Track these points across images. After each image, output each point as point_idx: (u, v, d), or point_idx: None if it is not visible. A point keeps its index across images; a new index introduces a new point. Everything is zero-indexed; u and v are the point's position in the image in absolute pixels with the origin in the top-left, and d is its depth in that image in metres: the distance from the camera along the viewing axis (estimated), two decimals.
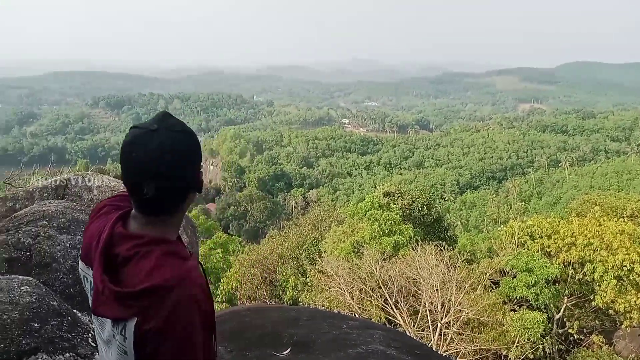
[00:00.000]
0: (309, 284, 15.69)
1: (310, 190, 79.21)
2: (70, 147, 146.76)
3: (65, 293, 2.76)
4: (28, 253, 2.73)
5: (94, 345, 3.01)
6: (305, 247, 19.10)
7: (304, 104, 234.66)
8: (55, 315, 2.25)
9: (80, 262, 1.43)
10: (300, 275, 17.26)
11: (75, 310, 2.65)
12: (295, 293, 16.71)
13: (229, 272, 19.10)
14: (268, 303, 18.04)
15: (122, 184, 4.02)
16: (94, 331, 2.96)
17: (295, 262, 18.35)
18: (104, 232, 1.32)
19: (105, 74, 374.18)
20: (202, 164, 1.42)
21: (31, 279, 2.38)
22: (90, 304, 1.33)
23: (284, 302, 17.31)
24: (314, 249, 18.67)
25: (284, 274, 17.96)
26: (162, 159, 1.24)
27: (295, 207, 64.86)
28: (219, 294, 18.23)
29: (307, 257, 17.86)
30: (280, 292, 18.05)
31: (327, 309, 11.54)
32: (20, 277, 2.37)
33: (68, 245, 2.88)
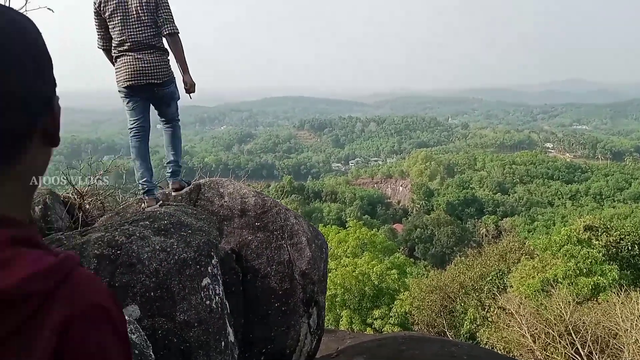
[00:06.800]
0: (489, 319, 14.62)
1: (504, 219, 73.95)
2: (278, 164, 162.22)
3: (144, 296, 2.75)
4: (118, 251, 2.69)
5: None
6: (489, 279, 17.95)
7: (502, 127, 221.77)
8: None
9: None
10: (480, 308, 16.21)
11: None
12: (473, 327, 15.74)
13: (404, 294, 18.88)
14: (447, 333, 17.35)
15: (254, 196, 4.03)
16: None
17: (477, 294, 17.34)
18: None
19: (311, 99, 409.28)
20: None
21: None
22: None
23: (461, 335, 16.45)
24: (499, 282, 17.44)
25: (463, 304, 17.08)
26: None
27: (485, 236, 61.36)
28: (392, 316, 18.12)
29: (489, 290, 16.73)
30: (458, 324, 17.20)
31: (501, 351, 10.60)
32: None
33: (158, 247, 2.81)
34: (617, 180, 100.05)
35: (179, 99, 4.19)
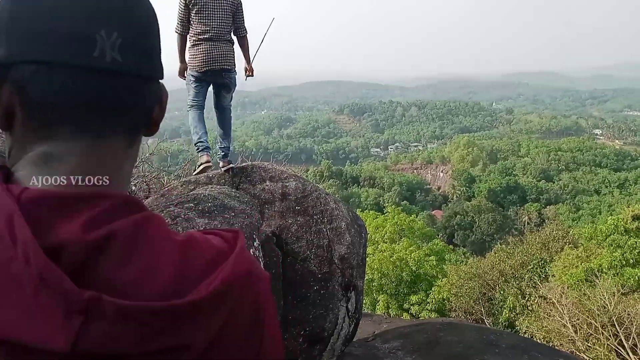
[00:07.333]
0: (529, 308, 14.39)
1: (548, 207, 71.77)
2: (317, 149, 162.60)
3: None
4: None
5: None
6: (530, 267, 17.63)
7: (549, 112, 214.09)
8: None
9: None
10: (520, 297, 15.97)
11: None
12: (512, 315, 15.53)
13: (442, 281, 18.77)
14: (485, 320, 17.19)
15: (294, 180, 4.10)
16: None
17: (517, 282, 17.08)
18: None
19: (352, 83, 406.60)
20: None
21: None
22: None
23: (499, 323, 16.27)
24: (540, 271, 17.10)
25: (503, 292, 16.86)
26: None
27: (528, 224, 59.83)
28: (429, 302, 18.07)
29: (530, 279, 16.43)
30: (497, 312, 17.00)
31: (540, 340, 10.44)
32: None
33: (202, 228, 2.84)
34: None
35: (235, 87, 4.80)
